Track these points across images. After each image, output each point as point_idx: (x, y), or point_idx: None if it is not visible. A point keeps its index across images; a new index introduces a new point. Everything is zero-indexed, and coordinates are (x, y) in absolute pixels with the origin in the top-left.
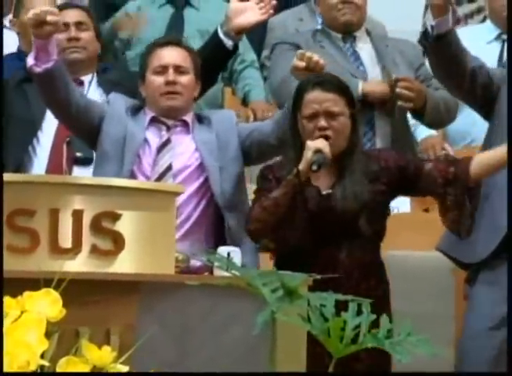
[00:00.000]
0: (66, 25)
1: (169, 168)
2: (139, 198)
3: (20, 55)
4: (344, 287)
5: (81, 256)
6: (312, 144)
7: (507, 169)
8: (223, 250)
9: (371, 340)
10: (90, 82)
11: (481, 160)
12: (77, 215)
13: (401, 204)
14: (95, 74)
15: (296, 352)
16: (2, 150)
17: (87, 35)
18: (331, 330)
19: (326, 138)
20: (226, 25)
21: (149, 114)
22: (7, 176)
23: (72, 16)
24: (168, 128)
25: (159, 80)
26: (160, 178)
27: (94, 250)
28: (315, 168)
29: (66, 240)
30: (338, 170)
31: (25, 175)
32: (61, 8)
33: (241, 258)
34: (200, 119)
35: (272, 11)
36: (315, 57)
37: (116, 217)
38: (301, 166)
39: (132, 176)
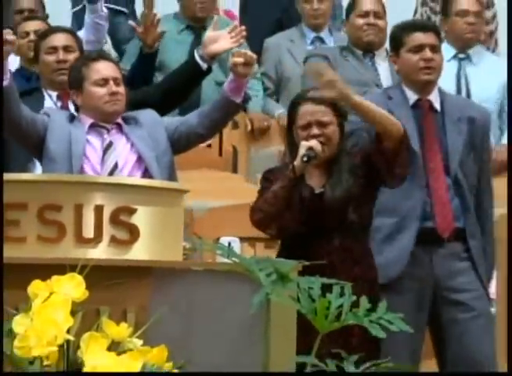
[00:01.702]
0: (55, 48)
1: (116, 165)
2: (152, 195)
3: (21, 71)
4: (338, 272)
5: (102, 245)
6: (306, 143)
7: (507, 169)
8: (224, 240)
9: (352, 318)
10: None
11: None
12: (99, 210)
13: None
14: None
15: (287, 329)
16: (3, 150)
17: (73, 57)
18: (318, 309)
19: (321, 143)
20: (202, 50)
21: (87, 120)
22: (38, 176)
23: (60, 39)
24: (108, 131)
25: (102, 91)
26: (110, 174)
27: (113, 240)
28: (305, 159)
29: (88, 231)
30: (329, 171)
31: (54, 175)
32: (50, 32)
33: None
34: (126, 120)
35: (242, 40)
36: (249, 52)
37: (132, 211)
38: (296, 162)
39: (82, 173)
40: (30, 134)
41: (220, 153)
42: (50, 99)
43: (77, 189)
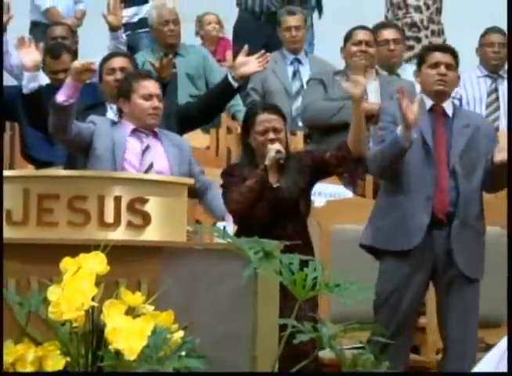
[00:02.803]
0: (113, 70)
1: (151, 165)
2: (161, 188)
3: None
4: (295, 251)
5: (120, 229)
6: (273, 147)
7: (507, 169)
8: (220, 224)
9: (325, 288)
10: None
11: (349, 136)
12: (118, 200)
13: (345, 193)
14: None
15: (272, 297)
16: (2, 150)
17: None
18: (297, 281)
19: None
20: (234, 72)
21: (129, 125)
22: (68, 172)
23: (118, 62)
24: (147, 136)
25: (147, 104)
26: (146, 172)
27: (129, 224)
28: (282, 161)
29: (109, 217)
30: (279, 169)
31: (81, 171)
32: (110, 56)
33: None
34: (162, 132)
35: (266, 65)
36: None
37: (145, 201)
38: (267, 162)
39: (124, 171)
40: (76, 142)
41: (217, 154)
42: (111, 111)
43: (100, 183)
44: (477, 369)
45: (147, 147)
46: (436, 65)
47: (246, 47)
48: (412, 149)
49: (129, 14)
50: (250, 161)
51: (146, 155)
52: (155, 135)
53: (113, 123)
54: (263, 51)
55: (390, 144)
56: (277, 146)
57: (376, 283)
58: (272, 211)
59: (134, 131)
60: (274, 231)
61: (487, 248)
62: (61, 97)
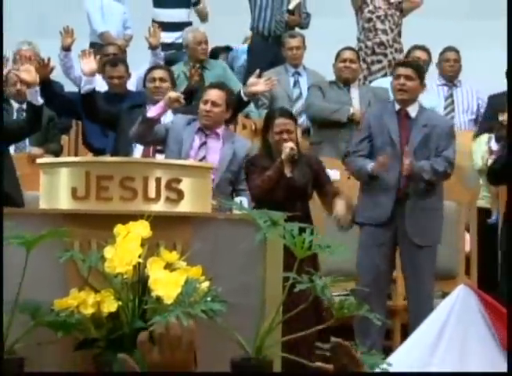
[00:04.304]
0: (154, 79)
1: (204, 158)
2: (192, 171)
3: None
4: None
5: (160, 202)
6: (288, 144)
7: (508, 166)
8: (237, 199)
9: (317, 248)
10: None
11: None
12: (158, 180)
13: (333, 175)
14: None
15: (277, 255)
16: (2, 149)
17: (166, 85)
18: (297, 243)
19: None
20: (245, 89)
21: (197, 125)
22: (120, 159)
23: (158, 73)
24: (206, 135)
25: (202, 107)
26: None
27: (167, 199)
28: (296, 157)
29: (152, 193)
30: (292, 162)
31: (130, 158)
32: (152, 68)
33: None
34: (228, 134)
35: (273, 88)
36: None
37: (179, 181)
38: (283, 157)
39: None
40: (155, 138)
41: None
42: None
43: (145, 167)
44: (431, 316)
45: (203, 143)
46: (398, 77)
47: (257, 71)
48: (383, 145)
49: (176, 36)
50: (267, 153)
51: (201, 150)
52: (217, 134)
53: (192, 121)
54: (274, 77)
55: (362, 173)
56: (291, 144)
57: (358, 245)
58: (285, 194)
59: (199, 130)
60: (286, 208)
61: (445, 217)
62: (151, 113)
